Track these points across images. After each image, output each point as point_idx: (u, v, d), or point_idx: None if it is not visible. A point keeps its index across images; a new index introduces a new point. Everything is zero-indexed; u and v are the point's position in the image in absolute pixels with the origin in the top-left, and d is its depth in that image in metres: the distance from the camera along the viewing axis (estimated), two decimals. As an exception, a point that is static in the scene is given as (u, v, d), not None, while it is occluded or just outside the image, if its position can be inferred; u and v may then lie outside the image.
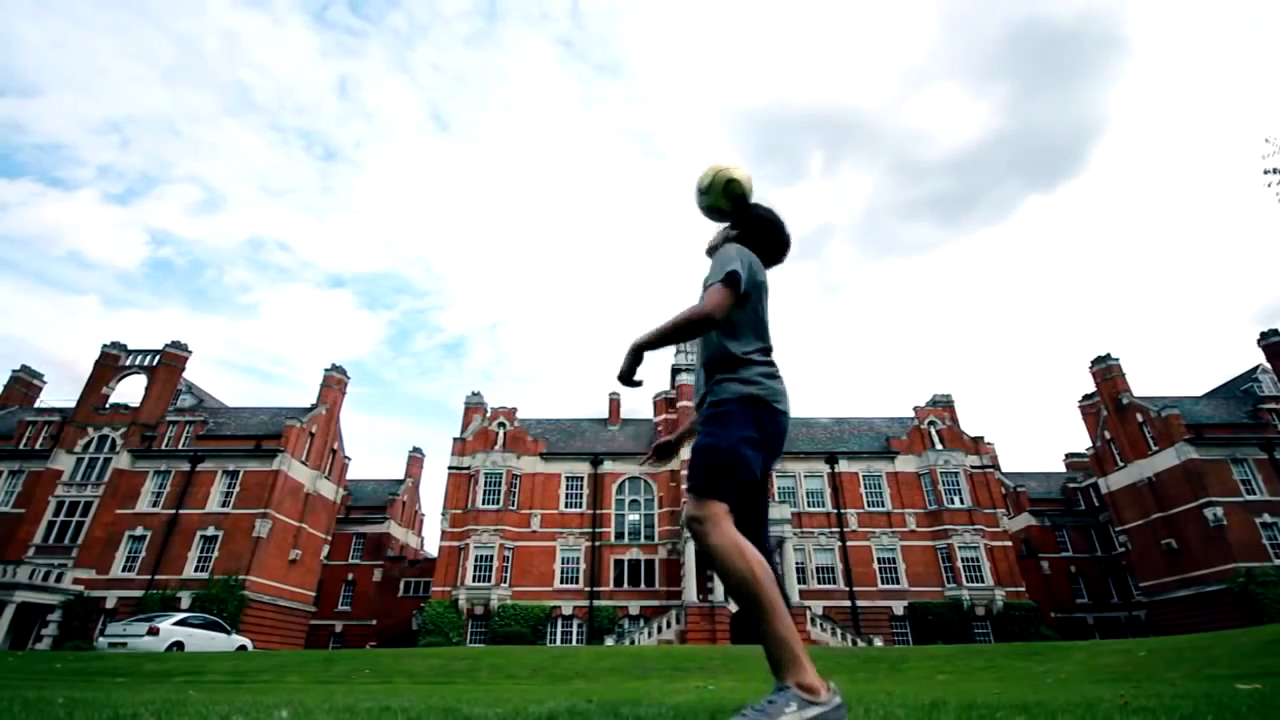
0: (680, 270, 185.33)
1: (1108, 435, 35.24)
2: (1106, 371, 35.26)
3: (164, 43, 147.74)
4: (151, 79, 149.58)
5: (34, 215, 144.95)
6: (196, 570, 29.52)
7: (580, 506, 34.12)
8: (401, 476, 52.12)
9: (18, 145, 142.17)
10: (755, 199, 2.38)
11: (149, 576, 29.13)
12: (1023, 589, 31.45)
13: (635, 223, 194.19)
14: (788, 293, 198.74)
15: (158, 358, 34.86)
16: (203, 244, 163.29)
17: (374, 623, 40.92)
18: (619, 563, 32.86)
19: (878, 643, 27.13)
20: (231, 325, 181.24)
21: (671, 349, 39.76)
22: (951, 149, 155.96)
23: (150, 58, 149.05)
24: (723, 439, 1.93)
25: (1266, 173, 10.57)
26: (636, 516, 34.25)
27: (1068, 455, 49.95)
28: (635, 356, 2.06)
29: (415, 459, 53.74)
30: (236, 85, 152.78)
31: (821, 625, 27.61)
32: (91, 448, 32.39)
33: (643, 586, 32.33)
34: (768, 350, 2.18)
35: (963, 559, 31.44)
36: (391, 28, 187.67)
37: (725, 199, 2.32)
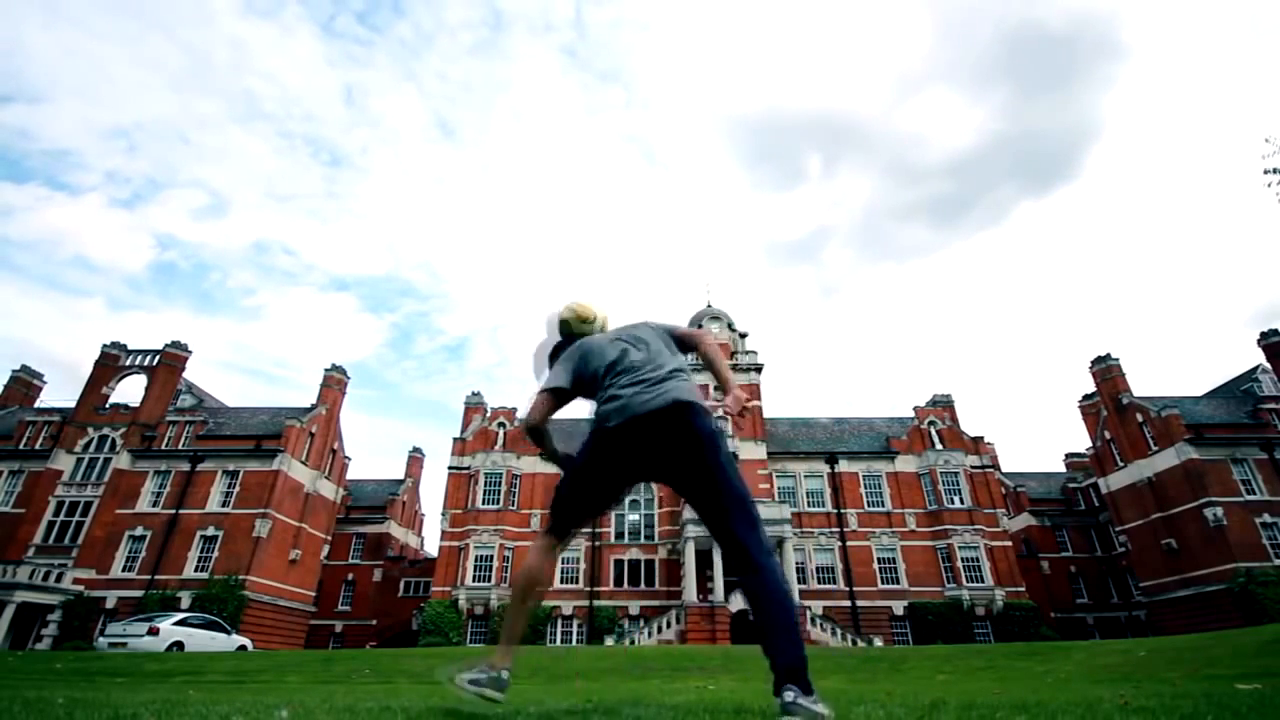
0: (679, 272, 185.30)
1: (1108, 435, 35.23)
2: (1106, 371, 35.24)
3: (173, 51, 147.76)
4: (160, 86, 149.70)
5: (40, 219, 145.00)
6: (196, 570, 29.52)
7: (580, 506, 34.10)
8: (402, 476, 52.10)
9: (25, 151, 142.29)
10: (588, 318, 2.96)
11: (149, 576, 29.12)
12: (1023, 589, 31.44)
13: (635, 226, 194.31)
14: (786, 295, 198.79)
15: (157, 358, 34.84)
16: (207, 248, 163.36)
17: (374, 623, 40.91)
18: (619, 563, 32.86)
19: (878, 643, 27.12)
20: (236, 328, 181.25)
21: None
22: (947, 153, 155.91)
23: (159, 66, 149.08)
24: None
25: (1267, 173, 10.57)
26: (636, 516, 34.25)
27: (1068, 455, 49.90)
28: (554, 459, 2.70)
29: (415, 459, 53.71)
30: (244, 93, 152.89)
31: (821, 625, 27.61)
32: (91, 448, 32.38)
33: (643, 586, 32.32)
34: (615, 385, 2.54)
35: (963, 559, 31.44)
36: (398, 37, 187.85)
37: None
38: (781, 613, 2.05)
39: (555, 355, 2.85)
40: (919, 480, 34.23)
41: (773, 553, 2.20)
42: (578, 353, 2.68)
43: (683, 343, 2.78)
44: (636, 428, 2.30)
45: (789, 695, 1.86)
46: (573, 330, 2.91)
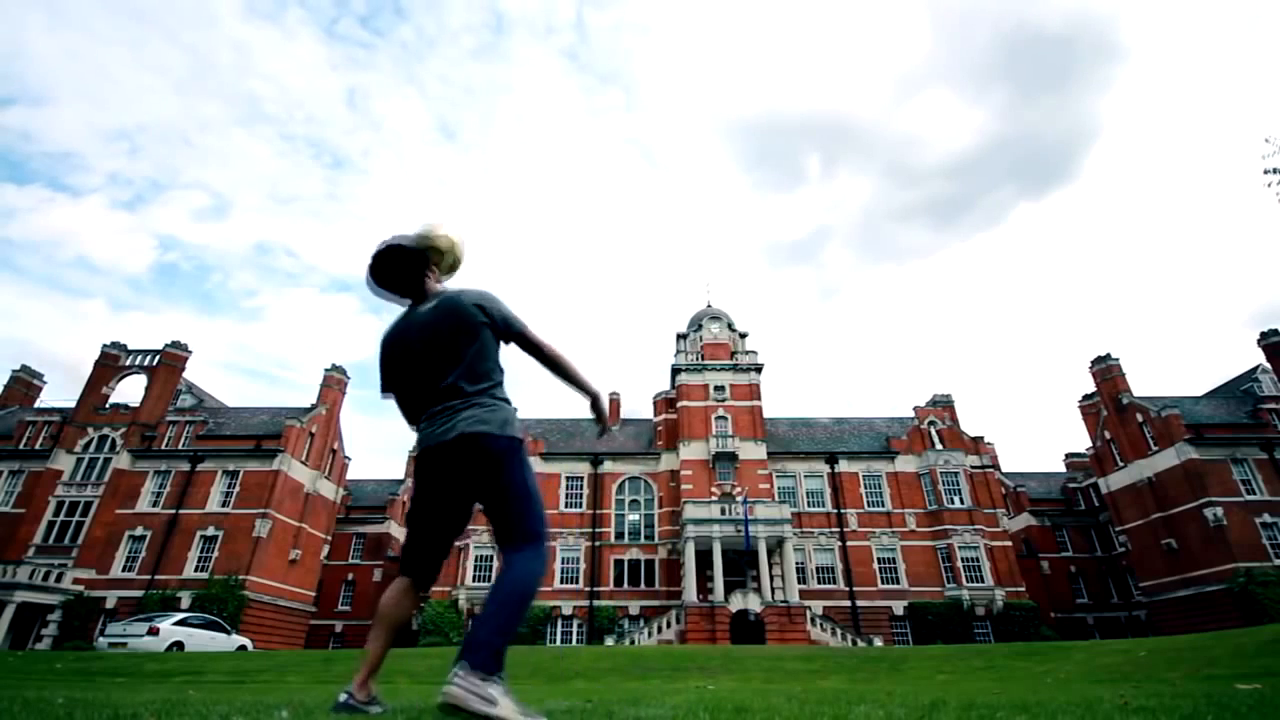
0: (679, 272, 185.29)
1: (1108, 435, 35.22)
2: (1106, 371, 35.23)
3: (176, 54, 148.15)
4: (163, 89, 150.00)
5: (42, 221, 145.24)
6: (196, 570, 29.51)
7: (580, 506, 34.11)
8: (402, 476, 52.02)
9: (28, 153, 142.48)
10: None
11: (149, 576, 29.12)
12: (1023, 589, 31.43)
13: (636, 227, 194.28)
14: (786, 295, 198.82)
15: (157, 358, 34.82)
16: (209, 249, 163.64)
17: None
18: (619, 563, 32.85)
19: (878, 643, 27.11)
20: (237, 328, 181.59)
21: (672, 349, 40.25)
22: (946, 154, 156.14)
23: (162, 69, 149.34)
24: None
25: (1267, 173, 10.58)
26: (636, 516, 34.23)
27: (1068, 455, 49.89)
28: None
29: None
30: (247, 96, 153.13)
31: (821, 625, 27.60)
32: (91, 448, 32.37)
33: (643, 586, 32.31)
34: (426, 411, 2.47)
35: (963, 559, 31.42)
36: (400, 41, 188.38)
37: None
38: (496, 600, 2.07)
39: (374, 276, 2.49)
40: (919, 480, 34.21)
41: (532, 556, 2.19)
42: (381, 356, 2.53)
43: (516, 337, 2.50)
44: (431, 459, 2.35)
45: (453, 669, 1.90)
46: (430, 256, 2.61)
